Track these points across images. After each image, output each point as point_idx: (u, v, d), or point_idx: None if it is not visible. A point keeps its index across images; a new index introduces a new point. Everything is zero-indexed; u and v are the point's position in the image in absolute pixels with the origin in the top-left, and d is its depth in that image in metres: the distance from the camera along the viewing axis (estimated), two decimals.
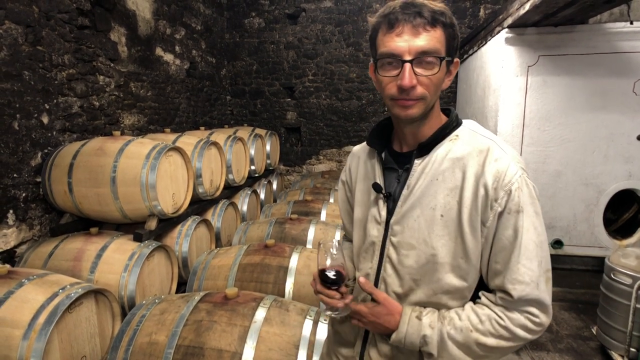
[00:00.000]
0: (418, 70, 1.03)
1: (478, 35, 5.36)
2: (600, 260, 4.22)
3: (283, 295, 2.70)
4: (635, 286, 2.80)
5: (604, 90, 4.09)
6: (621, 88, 4.06)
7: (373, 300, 1.16)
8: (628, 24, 3.87)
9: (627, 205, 4.41)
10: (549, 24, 3.96)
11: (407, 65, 1.02)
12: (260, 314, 2.07)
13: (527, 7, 3.52)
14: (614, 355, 3.01)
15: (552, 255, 4.37)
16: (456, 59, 1.12)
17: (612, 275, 3.02)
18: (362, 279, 1.15)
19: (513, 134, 4.30)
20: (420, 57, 1.03)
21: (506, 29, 4.14)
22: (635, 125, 4.12)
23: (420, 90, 1.05)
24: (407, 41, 1.02)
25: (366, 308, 1.14)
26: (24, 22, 3.05)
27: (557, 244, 4.38)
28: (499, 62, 4.30)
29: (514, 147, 4.31)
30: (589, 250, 4.37)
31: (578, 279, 4.49)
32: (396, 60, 1.04)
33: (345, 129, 7.42)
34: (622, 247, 4.22)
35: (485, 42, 4.89)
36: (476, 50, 5.37)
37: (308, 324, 2.04)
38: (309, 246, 3.49)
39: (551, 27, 4.02)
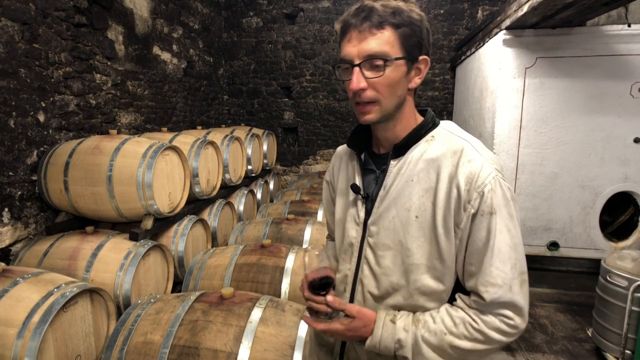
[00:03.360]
0: (367, 73, 1.05)
1: (476, 37, 5.37)
2: (596, 262, 4.24)
3: (279, 296, 2.70)
4: (631, 288, 2.81)
5: (601, 93, 4.10)
6: (618, 91, 4.08)
7: (347, 315, 1.13)
8: (626, 26, 3.88)
9: (623, 208, 4.42)
10: (547, 26, 3.97)
11: (356, 69, 1.05)
12: (256, 314, 2.06)
13: (525, 9, 3.53)
14: (609, 357, 3.02)
15: (548, 257, 4.42)
16: (422, 57, 1.11)
17: (607, 278, 3.03)
18: (329, 298, 1.12)
19: (510, 136, 4.31)
20: (369, 61, 1.04)
21: (504, 31, 4.15)
22: (631, 128, 4.13)
23: (371, 92, 1.07)
24: (355, 46, 1.05)
25: (342, 325, 1.11)
26: (21, 19, 3.03)
27: (553, 246, 4.39)
28: (497, 63, 4.31)
29: (511, 149, 4.33)
30: (584, 253, 4.38)
31: (574, 281, 4.50)
32: (349, 65, 1.07)
33: (343, 130, 7.42)
34: (617, 249, 4.24)
35: (483, 44, 4.90)
36: (474, 52, 5.38)
37: (304, 324, 2.04)
38: (305, 246, 3.49)
39: (549, 29, 4.03)
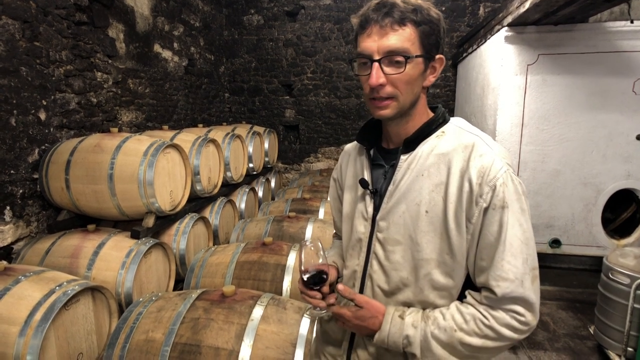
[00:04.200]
0: (387, 69, 1.05)
1: (477, 34, 5.35)
2: (598, 259, 4.22)
3: (281, 294, 2.70)
4: (633, 286, 2.80)
5: (603, 90, 4.08)
6: (621, 87, 4.05)
7: (356, 305, 1.15)
8: (628, 22, 3.85)
9: (625, 205, 4.41)
10: (549, 22, 3.95)
11: (375, 65, 1.05)
12: (258, 312, 2.06)
13: (527, 5, 3.51)
14: (611, 354, 3.01)
15: (549, 255, 4.42)
16: (439, 55, 1.11)
17: (610, 275, 3.02)
18: (340, 286, 1.14)
19: (512, 133, 4.30)
20: (389, 57, 1.04)
21: (506, 28, 4.13)
22: (634, 125, 4.11)
23: (389, 89, 1.06)
24: (375, 41, 1.04)
25: (349, 312, 1.13)
26: (21, 17, 3.03)
27: (555, 243, 4.38)
28: (499, 60, 4.29)
29: (513, 146, 4.31)
30: (587, 250, 4.37)
31: (575, 278, 4.49)
32: (367, 59, 1.06)
33: (344, 127, 7.41)
34: (620, 246, 4.23)
35: (485, 41, 4.88)
36: (475, 49, 5.36)
37: (305, 322, 2.04)
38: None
39: (551, 26, 4.01)
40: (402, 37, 1.03)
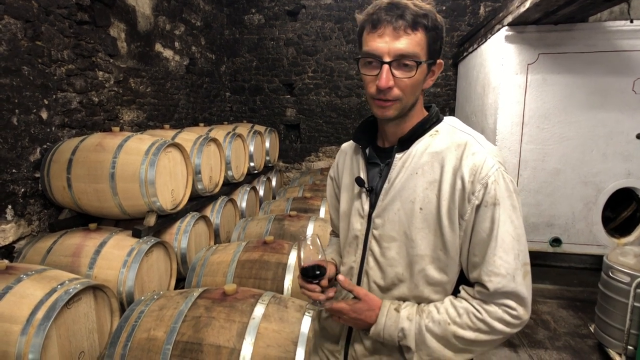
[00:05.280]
0: (396, 72, 1.06)
1: (478, 33, 5.35)
2: (599, 258, 4.22)
3: (282, 292, 2.70)
4: (634, 284, 2.81)
5: (603, 89, 4.08)
6: (620, 86, 4.06)
7: (354, 297, 1.17)
8: (628, 22, 3.85)
9: (625, 204, 4.41)
10: (549, 22, 3.95)
11: (385, 67, 1.05)
12: (259, 310, 2.07)
13: (527, 4, 3.52)
14: (612, 353, 3.02)
15: (550, 254, 4.42)
16: (439, 60, 1.14)
17: (610, 274, 3.03)
18: (340, 277, 1.16)
19: (512, 132, 4.30)
20: (399, 60, 1.05)
21: (506, 27, 4.13)
22: (634, 124, 4.11)
23: (396, 91, 1.08)
24: (387, 43, 1.05)
25: (347, 305, 1.15)
26: (23, 17, 3.04)
27: (555, 242, 4.39)
28: (499, 60, 4.30)
29: (514, 145, 4.32)
30: (587, 249, 4.37)
31: (576, 277, 4.50)
32: (376, 60, 1.07)
33: (345, 126, 7.42)
34: (620, 245, 4.23)
35: (485, 40, 4.88)
36: (476, 48, 5.37)
37: (306, 320, 2.05)
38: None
39: (551, 25, 4.01)
40: (413, 42, 1.04)
